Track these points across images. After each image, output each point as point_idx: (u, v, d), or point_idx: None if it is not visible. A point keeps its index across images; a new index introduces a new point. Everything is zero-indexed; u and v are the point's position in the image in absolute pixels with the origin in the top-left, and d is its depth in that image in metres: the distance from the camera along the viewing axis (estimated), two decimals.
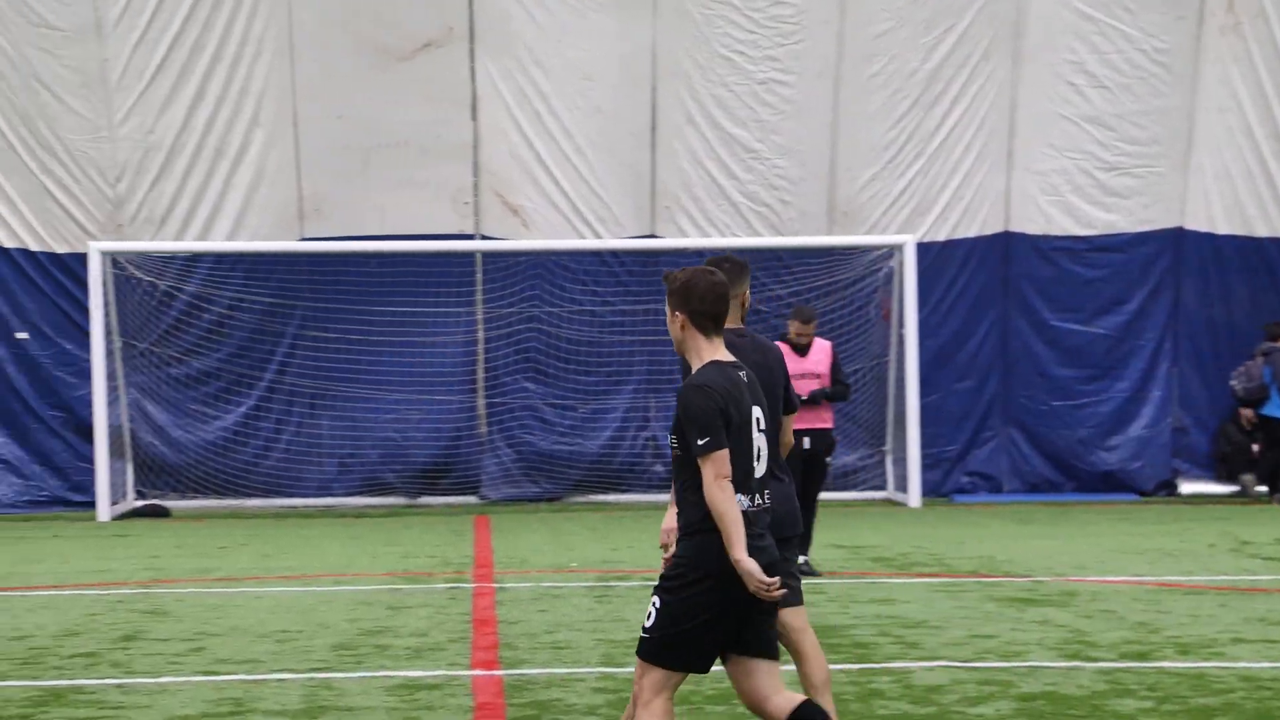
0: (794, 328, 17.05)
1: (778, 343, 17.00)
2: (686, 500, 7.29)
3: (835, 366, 17.06)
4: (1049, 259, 26.64)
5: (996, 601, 14.62)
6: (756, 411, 7.38)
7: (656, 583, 7.31)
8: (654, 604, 7.25)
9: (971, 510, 24.99)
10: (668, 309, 7.50)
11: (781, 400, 8.73)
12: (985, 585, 15.83)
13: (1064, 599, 14.79)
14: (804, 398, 16.76)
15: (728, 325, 8.49)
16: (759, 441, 7.37)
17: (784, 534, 8.39)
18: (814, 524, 16.98)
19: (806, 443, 16.77)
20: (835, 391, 16.96)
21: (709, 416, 7.17)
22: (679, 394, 7.30)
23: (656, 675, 7.26)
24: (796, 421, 16.72)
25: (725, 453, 7.15)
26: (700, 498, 7.19)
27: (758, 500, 7.34)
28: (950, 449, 26.58)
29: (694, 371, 7.39)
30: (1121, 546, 19.48)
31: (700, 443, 7.16)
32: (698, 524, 7.21)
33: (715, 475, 7.15)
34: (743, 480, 7.26)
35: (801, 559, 16.64)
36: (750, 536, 7.18)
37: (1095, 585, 15.82)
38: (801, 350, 16.96)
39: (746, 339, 8.65)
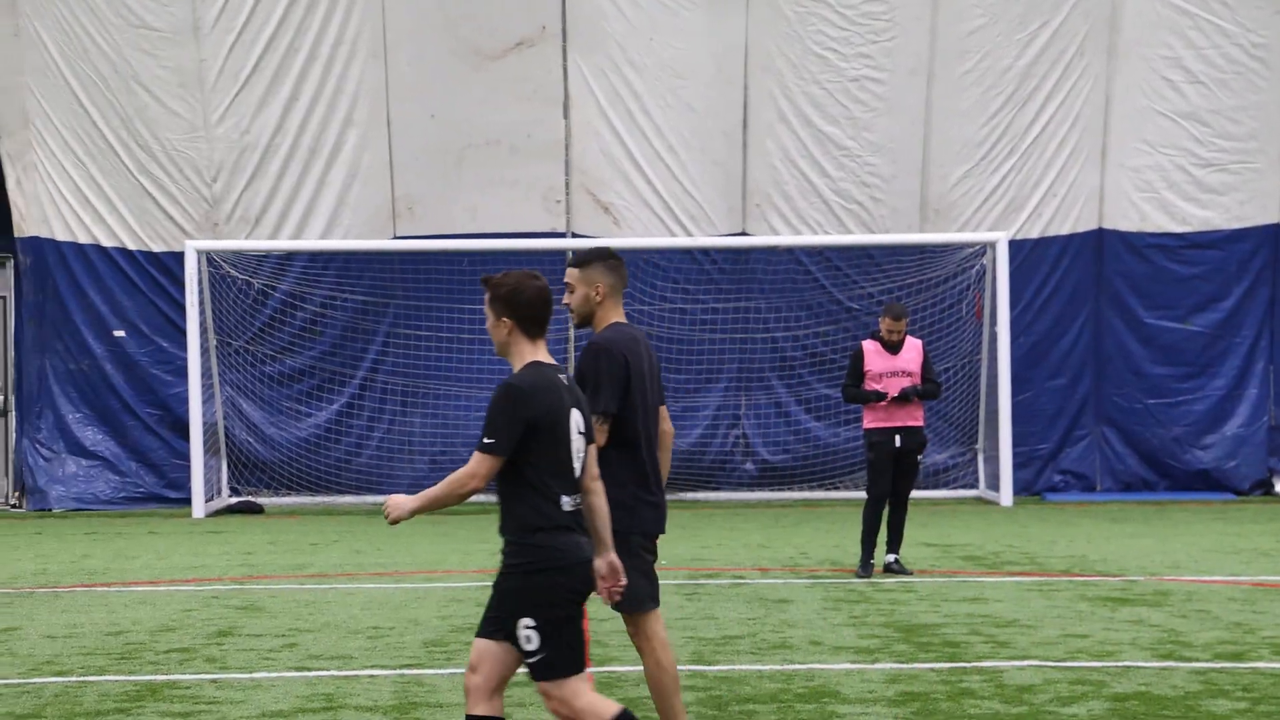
0: (885, 325, 16.94)
1: (868, 340, 17.07)
2: (512, 506, 7.33)
3: (926, 364, 16.96)
4: (1143, 256, 26.44)
5: (1089, 601, 14.53)
6: (575, 414, 7.41)
7: (507, 608, 7.29)
8: (525, 625, 7.24)
9: (1064, 509, 24.82)
10: (490, 313, 7.46)
11: (659, 391, 8.92)
12: (1078, 584, 15.73)
13: (1158, 598, 14.67)
14: (895, 395, 16.71)
15: (617, 319, 8.74)
16: (578, 444, 7.40)
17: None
18: (905, 522, 16.93)
19: (898, 440, 16.72)
20: (926, 389, 16.85)
21: (510, 424, 7.22)
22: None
23: (567, 686, 7.30)
24: (888, 419, 16.85)
25: (498, 463, 7.21)
26: (530, 500, 7.26)
27: (578, 501, 7.40)
28: (1042, 447, 26.44)
29: (515, 371, 7.41)
30: (1216, 546, 19.30)
31: (486, 440, 7.22)
32: (532, 526, 7.26)
33: (474, 472, 7.22)
34: (565, 481, 7.33)
35: (892, 557, 16.65)
36: (577, 531, 7.33)
37: (1190, 585, 15.68)
38: (893, 348, 16.87)
39: (635, 329, 8.84)
